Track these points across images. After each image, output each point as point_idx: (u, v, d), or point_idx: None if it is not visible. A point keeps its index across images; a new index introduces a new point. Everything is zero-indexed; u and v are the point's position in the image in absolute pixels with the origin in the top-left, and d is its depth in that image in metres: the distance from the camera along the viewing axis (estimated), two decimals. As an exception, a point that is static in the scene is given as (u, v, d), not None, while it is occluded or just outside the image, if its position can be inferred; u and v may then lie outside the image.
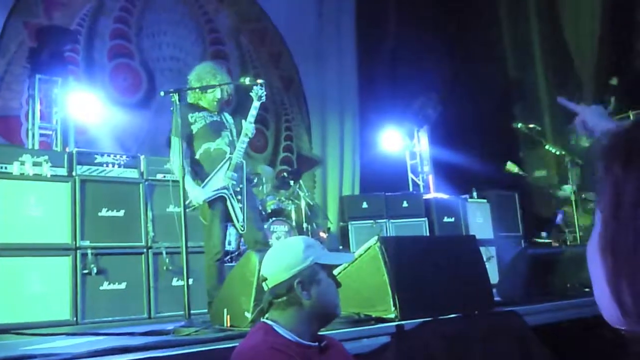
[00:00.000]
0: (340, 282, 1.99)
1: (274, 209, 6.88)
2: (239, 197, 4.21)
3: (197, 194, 4.14)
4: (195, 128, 4.33)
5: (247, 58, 9.25)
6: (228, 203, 4.19)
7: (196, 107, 4.43)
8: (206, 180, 4.22)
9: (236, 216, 4.18)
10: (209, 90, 4.38)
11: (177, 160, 4.09)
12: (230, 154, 4.29)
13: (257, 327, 1.94)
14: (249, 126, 4.25)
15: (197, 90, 4.39)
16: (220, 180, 4.23)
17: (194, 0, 8.79)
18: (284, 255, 1.96)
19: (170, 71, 8.34)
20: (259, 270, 3.27)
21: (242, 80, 4.46)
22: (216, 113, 4.46)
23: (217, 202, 4.20)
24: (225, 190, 4.20)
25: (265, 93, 4.33)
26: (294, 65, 9.70)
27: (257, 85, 4.30)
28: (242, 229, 4.17)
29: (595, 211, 1.01)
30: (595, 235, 0.99)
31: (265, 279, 1.96)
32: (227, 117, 4.55)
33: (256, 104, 4.29)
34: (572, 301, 3.87)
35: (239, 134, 4.38)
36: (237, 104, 7.11)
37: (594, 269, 0.99)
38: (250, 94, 4.31)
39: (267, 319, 1.94)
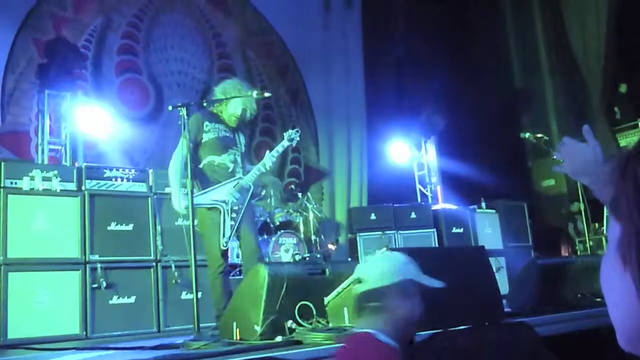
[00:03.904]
0: (424, 304, 2.09)
1: (282, 221, 6.89)
2: (234, 215, 4.23)
3: (180, 199, 4.13)
4: (205, 137, 4.36)
5: (253, 71, 9.30)
6: (221, 216, 4.21)
7: (216, 117, 4.46)
8: (209, 189, 4.25)
9: (224, 231, 4.19)
10: (229, 105, 4.43)
11: (179, 164, 4.13)
12: (232, 170, 4.34)
13: (359, 338, 1.97)
14: (270, 159, 4.37)
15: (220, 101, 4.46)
16: (222, 194, 4.26)
17: (201, 15, 8.86)
18: (385, 264, 2.07)
19: (177, 85, 8.39)
20: (269, 283, 3.29)
21: (249, 93, 4.47)
22: (231, 129, 4.48)
23: (214, 212, 4.22)
24: (224, 204, 4.23)
25: (299, 139, 4.52)
26: (300, 77, 9.74)
27: (294, 130, 4.50)
28: (225, 245, 4.17)
29: (607, 227, 1.00)
30: (610, 251, 0.97)
31: (360, 282, 2.05)
32: (241, 137, 4.56)
33: (285, 143, 4.44)
34: (583, 311, 3.85)
35: (246, 154, 4.54)
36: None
37: (611, 290, 0.98)
38: (284, 133, 4.49)
39: (362, 327, 2.00)
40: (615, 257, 0.96)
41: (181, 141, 4.20)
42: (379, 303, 1.98)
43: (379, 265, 2.07)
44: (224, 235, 4.19)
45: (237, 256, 6.21)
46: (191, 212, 3.77)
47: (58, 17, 7.45)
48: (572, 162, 1.44)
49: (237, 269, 6.11)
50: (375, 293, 2.00)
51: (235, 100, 4.41)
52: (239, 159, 4.44)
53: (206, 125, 4.37)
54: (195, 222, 3.98)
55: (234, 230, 4.22)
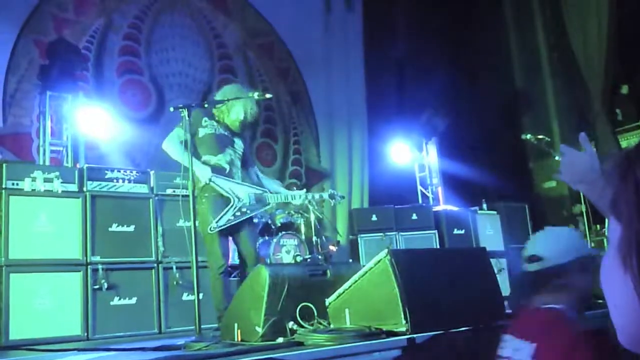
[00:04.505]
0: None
1: (283, 222, 6.88)
2: (238, 213, 4.25)
3: (204, 172, 4.17)
4: (202, 132, 4.36)
5: (254, 72, 9.30)
6: (227, 207, 4.22)
7: (216, 117, 4.47)
8: (234, 180, 4.31)
9: (219, 219, 4.18)
10: (231, 111, 4.44)
11: (178, 147, 4.18)
12: (229, 171, 4.35)
13: (549, 315, 1.98)
14: (302, 199, 4.55)
15: (221, 107, 4.46)
16: (242, 191, 4.30)
17: (202, 16, 8.86)
18: (564, 240, 2.09)
19: (179, 86, 8.40)
20: (270, 285, 3.29)
21: (250, 94, 4.48)
22: (230, 131, 4.49)
23: (219, 202, 4.22)
24: (237, 199, 4.25)
25: (340, 202, 4.92)
26: (301, 78, 9.73)
27: (340, 195, 4.78)
28: (212, 230, 4.15)
29: (608, 228, 0.99)
30: (611, 252, 0.97)
31: (539, 259, 2.05)
32: (239, 141, 4.57)
33: (325, 196, 4.66)
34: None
35: (250, 159, 4.68)
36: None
37: (611, 288, 0.98)
38: (331, 190, 4.79)
39: (546, 303, 2.02)
40: (615, 258, 0.96)
41: (176, 130, 4.26)
42: (563, 279, 2.00)
43: (558, 242, 2.08)
44: (217, 222, 4.16)
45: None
46: (192, 212, 3.78)
47: (59, 18, 7.45)
48: (569, 170, 1.46)
49: (238, 270, 6.11)
50: (559, 269, 2.01)
51: (237, 106, 4.42)
52: (236, 161, 4.45)
53: (205, 121, 4.38)
54: (197, 223, 4.00)
55: (228, 225, 4.21)
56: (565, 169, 1.48)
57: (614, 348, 1.80)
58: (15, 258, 4.73)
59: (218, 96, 4.54)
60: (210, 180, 4.19)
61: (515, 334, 1.98)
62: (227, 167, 4.36)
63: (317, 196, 4.64)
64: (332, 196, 4.64)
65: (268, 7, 9.44)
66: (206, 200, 4.22)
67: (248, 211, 4.31)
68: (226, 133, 4.46)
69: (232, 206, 4.23)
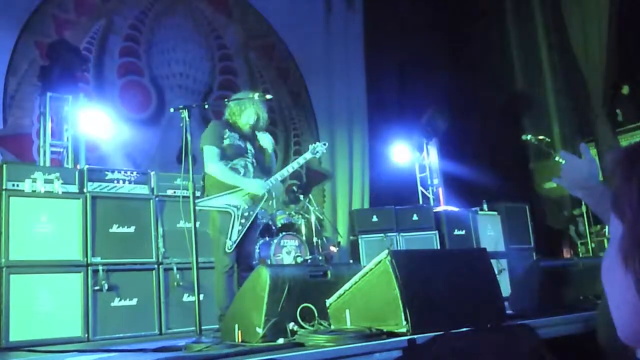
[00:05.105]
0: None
1: (284, 223, 6.89)
2: (243, 220, 4.36)
3: (258, 184, 4.40)
4: (225, 142, 4.51)
5: (255, 73, 9.30)
6: (231, 220, 4.32)
7: (232, 126, 4.59)
8: (223, 193, 4.37)
9: (231, 235, 4.29)
10: (243, 114, 4.57)
11: (213, 167, 4.37)
12: (244, 174, 4.47)
13: None
14: (285, 173, 4.67)
15: (234, 110, 4.60)
16: (236, 199, 4.37)
17: (203, 17, 8.87)
18: None
19: (179, 88, 8.40)
20: (270, 286, 3.29)
21: (251, 95, 4.55)
22: (244, 138, 4.60)
23: (225, 215, 4.32)
24: (235, 209, 4.34)
25: (324, 153, 4.86)
26: (302, 80, 9.74)
27: (321, 143, 4.79)
28: (229, 248, 4.28)
29: (609, 227, 0.98)
30: (612, 252, 0.97)
31: None
32: (249, 146, 4.64)
33: (308, 155, 4.71)
34: (586, 314, 3.84)
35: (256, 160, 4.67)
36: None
37: (612, 286, 0.98)
38: (310, 145, 4.75)
39: None
40: (617, 256, 0.96)
41: (208, 150, 4.38)
42: None
43: None
44: (230, 239, 4.28)
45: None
46: (193, 213, 3.78)
47: (60, 19, 7.46)
48: (569, 176, 1.48)
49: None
50: None
51: (249, 110, 4.57)
52: (249, 166, 4.55)
53: (226, 133, 4.53)
54: (201, 223, 4.04)
55: (241, 235, 4.32)
56: (565, 174, 1.50)
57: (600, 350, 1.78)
58: (15, 259, 4.73)
59: (231, 103, 4.66)
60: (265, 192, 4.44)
61: None
62: (242, 170, 4.50)
63: (301, 160, 4.71)
64: (314, 151, 4.73)
65: (269, 8, 9.44)
66: (214, 212, 4.37)
67: (250, 213, 4.40)
68: (241, 143, 4.57)
69: (234, 218, 4.34)
